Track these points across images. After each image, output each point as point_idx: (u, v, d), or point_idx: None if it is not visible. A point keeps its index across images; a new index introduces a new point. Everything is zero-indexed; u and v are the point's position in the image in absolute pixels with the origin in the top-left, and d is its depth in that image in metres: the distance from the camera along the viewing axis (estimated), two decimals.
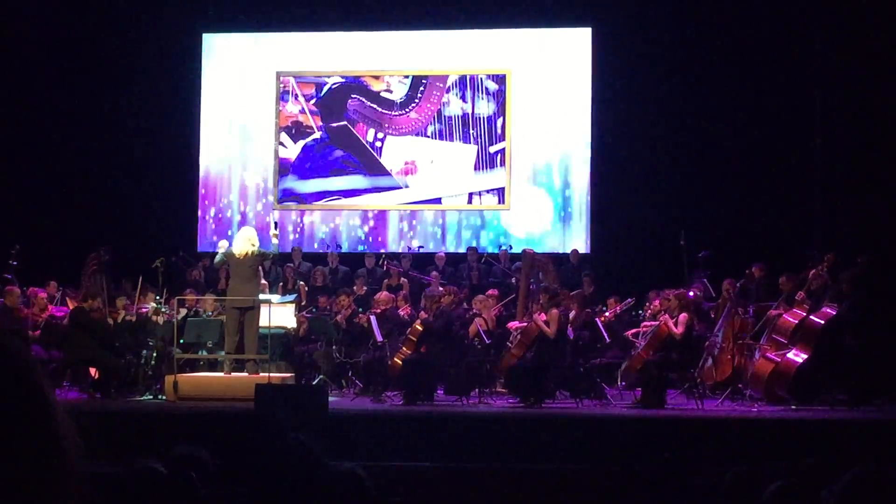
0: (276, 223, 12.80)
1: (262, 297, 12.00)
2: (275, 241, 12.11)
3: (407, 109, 16.46)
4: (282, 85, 16.69)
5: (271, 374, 11.27)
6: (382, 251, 15.70)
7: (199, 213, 16.72)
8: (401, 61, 16.50)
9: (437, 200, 16.35)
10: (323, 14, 16.39)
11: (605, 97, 15.99)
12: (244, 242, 11.77)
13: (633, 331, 12.17)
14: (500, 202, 16.26)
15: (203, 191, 16.74)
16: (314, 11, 16.40)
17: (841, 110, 14.59)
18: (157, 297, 12.47)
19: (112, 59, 16.26)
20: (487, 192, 16.30)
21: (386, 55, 16.51)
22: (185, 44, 16.64)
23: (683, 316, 11.16)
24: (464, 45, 16.43)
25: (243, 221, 16.15)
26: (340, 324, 12.81)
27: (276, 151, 16.64)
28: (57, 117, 16.12)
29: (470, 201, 16.33)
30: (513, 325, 12.20)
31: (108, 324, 11.86)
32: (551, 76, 16.23)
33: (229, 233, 15.66)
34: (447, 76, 16.39)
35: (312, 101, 16.65)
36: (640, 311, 12.92)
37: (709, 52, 15.35)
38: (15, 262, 12.79)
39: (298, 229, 16.57)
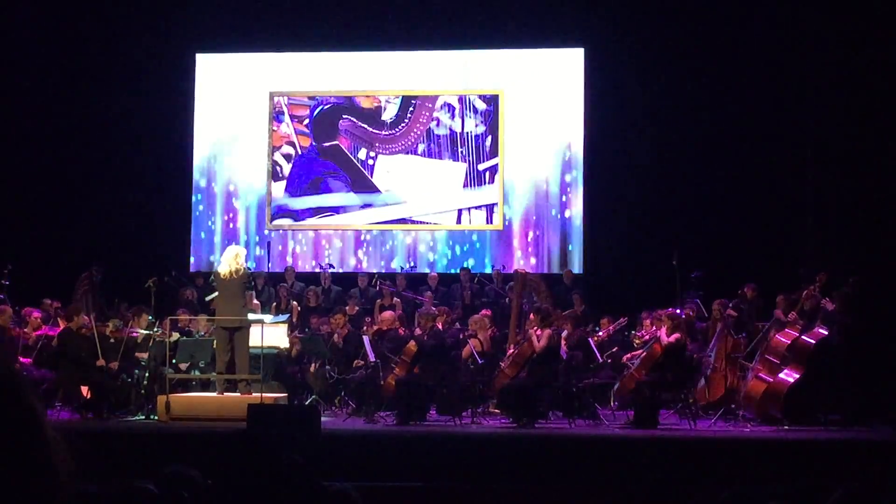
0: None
1: (254, 316, 11.97)
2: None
3: (397, 129, 16.48)
4: (275, 105, 16.71)
5: (264, 395, 11.24)
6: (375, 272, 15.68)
7: (192, 232, 16.70)
8: (394, 82, 16.54)
9: (426, 217, 16.35)
10: (316, 34, 16.42)
11: (598, 117, 16.02)
12: (230, 261, 11.68)
13: (630, 355, 12.06)
14: (488, 220, 16.26)
15: (196, 210, 16.73)
16: (307, 32, 16.43)
17: (834, 130, 14.62)
18: (151, 319, 12.42)
19: (106, 78, 16.29)
20: (476, 208, 16.32)
21: (379, 75, 16.54)
22: (179, 64, 16.65)
23: (675, 336, 11.17)
24: (456, 65, 16.46)
25: (236, 241, 16.10)
26: (337, 343, 12.79)
27: (269, 171, 16.64)
28: (50, 136, 16.12)
29: (459, 218, 16.34)
30: (511, 351, 12.09)
31: (95, 342, 11.72)
32: (543, 97, 16.27)
33: (214, 252, 15.63)
34: (437, 96, 16.43)
35: (305, 122, 16.67)
36: (633, 332, 12.90)
37: (701, 72, 15.41)
38: (7, 282, 12.75)
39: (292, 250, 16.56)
